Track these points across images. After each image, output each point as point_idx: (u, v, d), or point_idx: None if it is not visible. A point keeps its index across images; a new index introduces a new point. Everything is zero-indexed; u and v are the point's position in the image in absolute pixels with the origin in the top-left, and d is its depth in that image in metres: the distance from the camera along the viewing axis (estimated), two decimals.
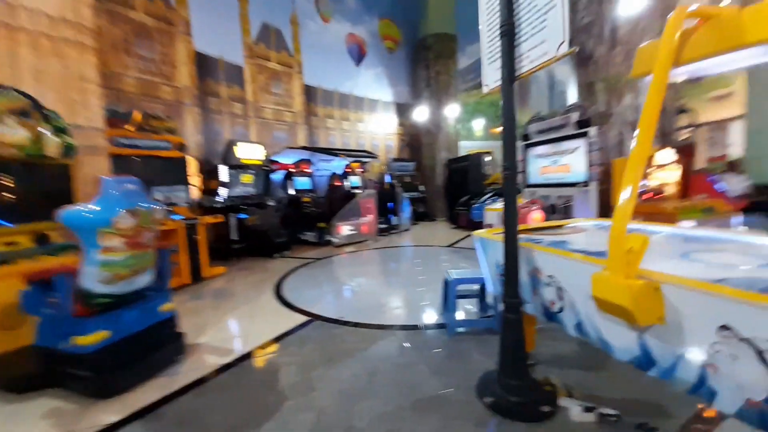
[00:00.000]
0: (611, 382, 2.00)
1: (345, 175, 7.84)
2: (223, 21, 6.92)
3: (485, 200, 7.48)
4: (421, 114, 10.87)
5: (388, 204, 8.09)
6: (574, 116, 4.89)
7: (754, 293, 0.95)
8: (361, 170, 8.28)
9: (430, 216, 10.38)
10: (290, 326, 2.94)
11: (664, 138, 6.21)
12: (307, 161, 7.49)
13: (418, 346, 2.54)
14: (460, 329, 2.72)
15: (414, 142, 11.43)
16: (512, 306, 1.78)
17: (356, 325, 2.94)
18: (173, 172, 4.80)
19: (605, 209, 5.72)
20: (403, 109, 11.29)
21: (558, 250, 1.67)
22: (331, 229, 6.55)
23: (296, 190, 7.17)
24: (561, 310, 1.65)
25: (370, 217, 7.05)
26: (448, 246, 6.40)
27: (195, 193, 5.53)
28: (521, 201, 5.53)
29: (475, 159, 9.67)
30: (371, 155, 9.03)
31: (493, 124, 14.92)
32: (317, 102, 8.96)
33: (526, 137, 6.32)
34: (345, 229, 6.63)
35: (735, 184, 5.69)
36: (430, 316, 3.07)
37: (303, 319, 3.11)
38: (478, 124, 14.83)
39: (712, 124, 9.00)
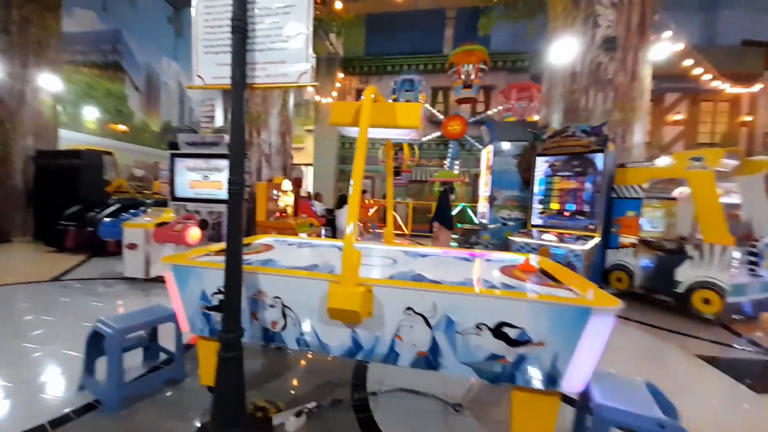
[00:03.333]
0: (295, 379, 2.27)
1: None
2: None
3: (115, 213, 5.85)
4: None
5: None
6: (227, 137, 5.10)
7: (428, 283, 1.56)
8: None
9: None
10: None
11: (284, 171, 8.04)
12: None
13: None
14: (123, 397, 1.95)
15: None
16: (231, 343, 1.53)
17: None
18: None
19: (251, 226, 6.41)
20: None
21: (297, 271, 1.72)
22: None
23: None
24: (284, 328, 1.68)
25: None
26: (53, 280, 4.34)
27: None
28: (171, 215, 4.88)
29: (92, 158, 7.45)
30: None
31: (112, 118, 12.01)
32: None
33: (174, 146, 5.74)
34: None
35: (320, 208, 8.74)
36: (61, 400, 1.95)
37: None
38: (91, 113, 11.35)
39: (296, 166, 13.66)
